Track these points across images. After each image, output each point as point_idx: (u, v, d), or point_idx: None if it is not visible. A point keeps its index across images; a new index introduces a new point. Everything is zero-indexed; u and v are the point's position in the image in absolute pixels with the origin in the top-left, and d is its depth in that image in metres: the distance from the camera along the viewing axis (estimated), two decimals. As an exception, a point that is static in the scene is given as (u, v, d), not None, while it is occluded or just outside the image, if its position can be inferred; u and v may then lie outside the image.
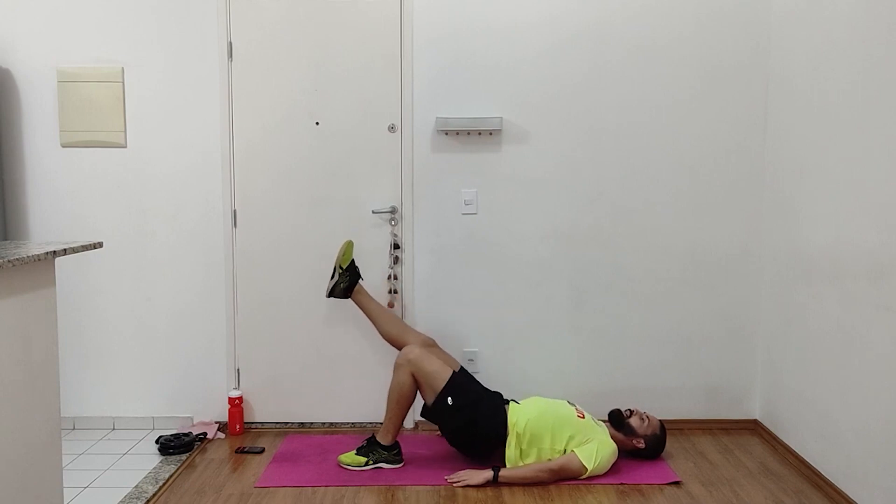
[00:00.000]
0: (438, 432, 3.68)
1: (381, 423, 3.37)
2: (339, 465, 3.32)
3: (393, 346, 3.50)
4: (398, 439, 3.34)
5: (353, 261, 3.55)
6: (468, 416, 3.21)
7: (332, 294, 3.51)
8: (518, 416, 3.23)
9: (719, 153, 3.73)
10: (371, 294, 3.73)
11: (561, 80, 3.71)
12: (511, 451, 3.20)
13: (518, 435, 3.19)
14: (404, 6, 3.67)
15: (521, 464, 3.20)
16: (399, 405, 3.28)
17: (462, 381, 3.30)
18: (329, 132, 3.74)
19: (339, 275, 3.50)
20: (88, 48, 3.71)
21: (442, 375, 3.24)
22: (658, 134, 3.72)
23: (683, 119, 3.71)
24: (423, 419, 3.49)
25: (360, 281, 3.57)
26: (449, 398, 3.20)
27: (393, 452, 3.31)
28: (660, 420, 3.45)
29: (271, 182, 3.76)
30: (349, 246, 3.55)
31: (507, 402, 3.35)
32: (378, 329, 3.52)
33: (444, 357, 3.45)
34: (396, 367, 3.29)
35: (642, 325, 3.80)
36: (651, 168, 3.74)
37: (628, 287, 3.78)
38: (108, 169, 3.75)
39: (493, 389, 3.52)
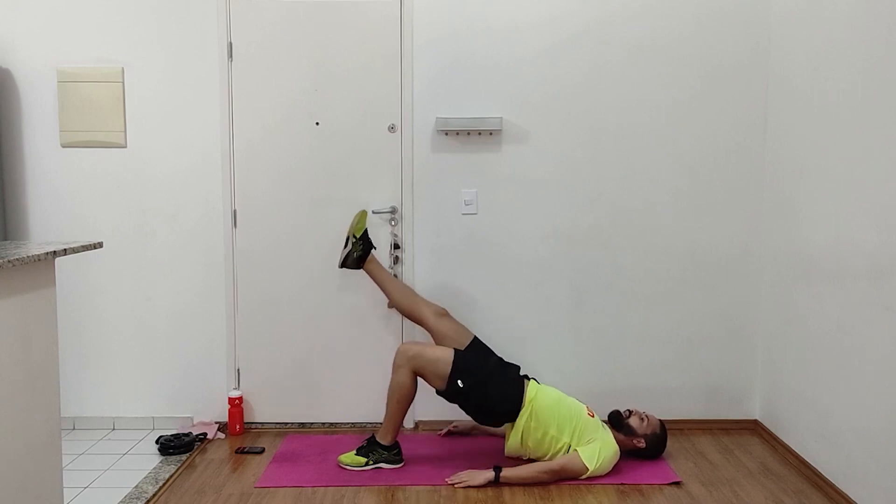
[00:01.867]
0: (439, 432, 3.70)
1: (381, 424, 3.36)
2: (339, 466, 3.32)
3: (406, 316, 3.56)
4: (398, 439, 3.34)
5: (366, 230, 3.56)
6: (482, 393, 3.23)
7: (344, 264, 3.51)
8: (536, 393, 3.26)
9: (719, 153, 3.73)
10: (370, 294, 3.74)
11: (561, 80, 3.71)
12: (521, 421, 3.21)
13: (532, 410, 3.20)
14: (404, 6, 3.67)
15: (520, 443, 3.23)
16: (399, 405, 3.28)
17: (468, 358, 3.30)
18: (329, 132, 3.74)
19: (353, 244, 3.50)
20: (88, 48, 3.71)
21: (445, 360, 3.24)
22: (658, 134, 3.72)
23: (683, 119, 3.71)
24: (422, 419, 3.49)
25: (373, 251, 3.57)
26: (459, 381, 3.21)
27: (393, 452, 3.31)
28: (660, 420, 3.45)
29: (271, 182, 3.76)
30: (363, 215, 3.56)
31: (527, 377, 3.38)
32: (390, 298, 3.56)
33: (457, 328, 3.47)
34: (395, 367, 3.28)
35: (642, 325, 3.80)
36: (651, 168, 3.74)
37: (628, 287, 3.78)
38: (108, 169, 3.76)
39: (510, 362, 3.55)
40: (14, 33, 3.70)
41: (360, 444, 3.35)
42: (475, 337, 3.47)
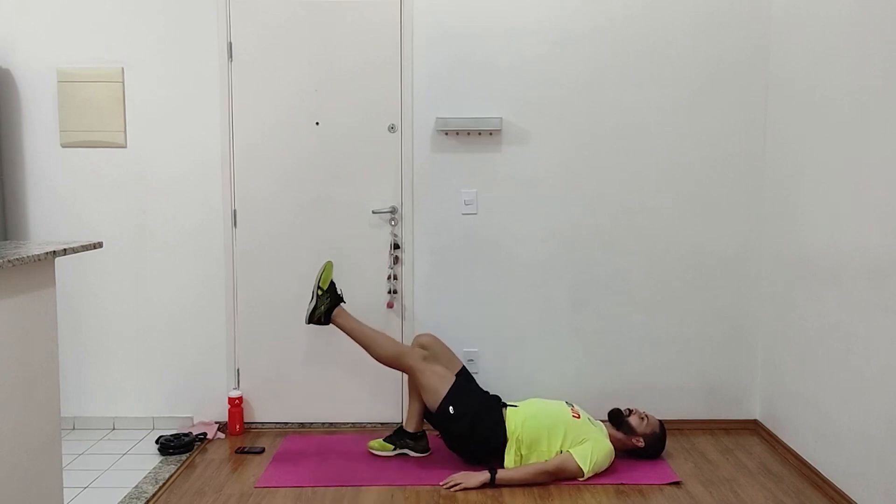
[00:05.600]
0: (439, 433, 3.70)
1: (381, 423, 3.47)
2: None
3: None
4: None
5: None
6: (469, 425, 3.22)
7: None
8: (515, 420, 3.23)
9: (719, 154, 3.73)
10: (370, 294, 3.74)
11: (561, 80, 3.71)
12: (510, 457, 3.20)
13: (518, 440, 3.20)
14: (404, 6, 3.67)
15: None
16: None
17: (463, 387, 3.32)
18: (329, 132, 3.74)
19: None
20: (88, 48, 3.71)
21: (445, 383, 3.27)
22: (658, 135, 3.72)
23: (683, 120, 3.71)
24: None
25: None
26: (451, 407, 3.23)
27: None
28: (659, 420, 3.45)
29: (271, 182, 3.76)
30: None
31: (505, 405, 3.35)
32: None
33: (446, 354, 3.43)
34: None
35: (643, 326, 3.80)
36: (651, 169, 3.74)
37: (629, 288, 3.78)
38: (108, 169, 3.76)
39: (491, 392, 3.54)
40: (14, 33, 3.70)
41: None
42: (463, 367, 3.43)
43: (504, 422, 3.24)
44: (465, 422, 3.21)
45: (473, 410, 3.25)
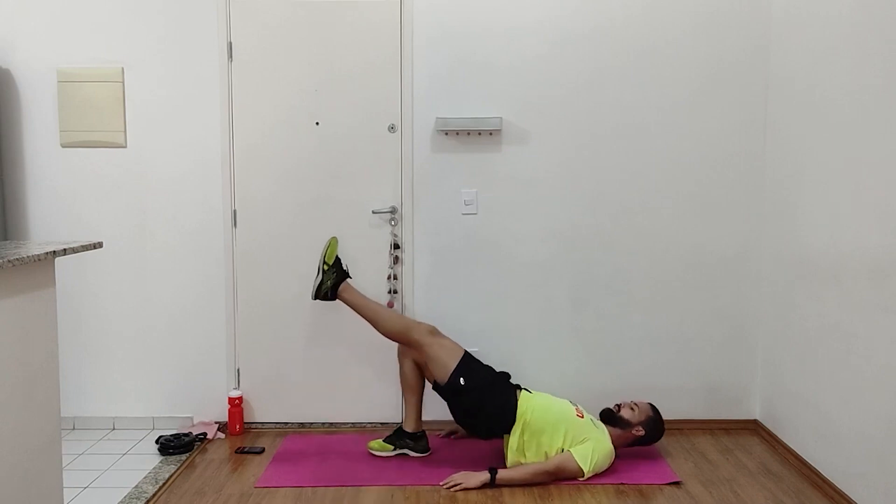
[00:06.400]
0: (439, 433, 3.69)
1: (381, 423, 3.47)
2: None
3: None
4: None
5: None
6: (479, 398, 3.23)
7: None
8: (528, 404, 3.24)
9: (719, 154, 3.73)
10: (370, 294, 3.73)
11: (561, 80, 3.71)
12: (514, 439, 3.20)
13: (524, 424, 3.20)
14: (404, 6, 3.67)
15: (520, 458, 3.22)
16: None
17: (473, 360, 3.34)
18: (329, 132, 3.74)
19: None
20: (88, 48, 3.71)
21: (454, 355, 3.29)
22: (658, 135, 3.72)
23: (683, 120, 3.71)
24: (423, 419, 3.49)
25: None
26: (461, 379, 3.23)
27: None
28: (649, 403, 3.46)
29: (271, 182, 3.76)
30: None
31: (518, 387, 3.36)
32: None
33: (451, 344, 3.40)
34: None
35: (642, 326, 3.80)
36: (651, 169, 3.74)
37: (629, 288, 3.78)
38: (108, 169, 3.76)
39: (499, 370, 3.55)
40: (14, 33, 3.70)
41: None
42: (465, 351, 3.43)
43: (516, 402, 3.24)
44: (475, 394, 3.22)
45: (484, 384, 3.26)
